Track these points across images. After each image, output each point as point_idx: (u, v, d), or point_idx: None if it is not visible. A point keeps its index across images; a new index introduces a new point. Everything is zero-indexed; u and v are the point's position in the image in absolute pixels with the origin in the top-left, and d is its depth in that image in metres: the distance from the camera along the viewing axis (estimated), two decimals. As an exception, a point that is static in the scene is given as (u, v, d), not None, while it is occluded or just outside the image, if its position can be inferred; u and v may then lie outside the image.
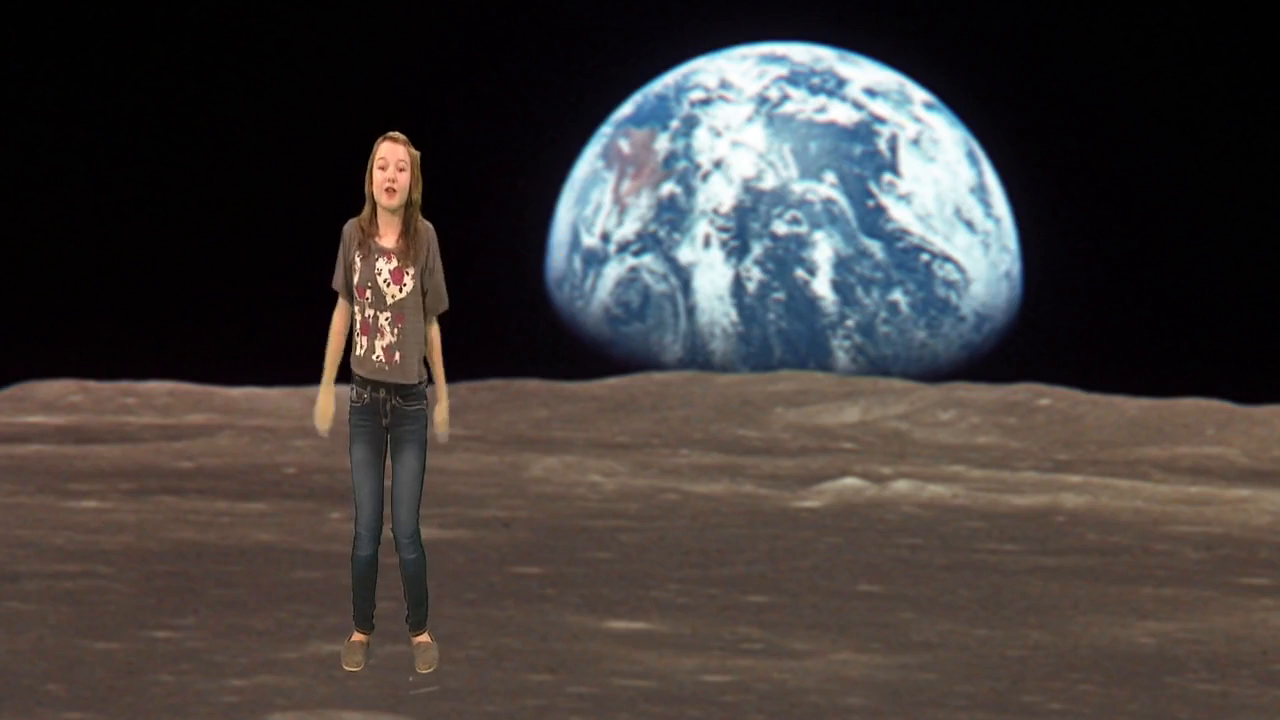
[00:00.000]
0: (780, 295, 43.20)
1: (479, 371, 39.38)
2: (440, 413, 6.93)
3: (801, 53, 46.41)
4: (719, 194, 43.97)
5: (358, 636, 7.11)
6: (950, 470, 26.25)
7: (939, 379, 39.56)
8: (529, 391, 38.65)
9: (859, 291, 43.26)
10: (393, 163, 6.69)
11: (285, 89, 48.67)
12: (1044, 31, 49.29)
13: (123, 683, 10.07)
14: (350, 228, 6.77)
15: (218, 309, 46.39)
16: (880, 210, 43.58)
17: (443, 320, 6.89)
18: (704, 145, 44.67)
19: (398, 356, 6.71)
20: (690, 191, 44.25)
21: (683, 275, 43.85)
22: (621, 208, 44.99)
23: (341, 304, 6.81)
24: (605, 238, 45.02)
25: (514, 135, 48.75)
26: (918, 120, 45.30)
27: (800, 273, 43.24)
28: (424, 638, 7.11)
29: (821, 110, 44.61)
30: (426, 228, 6.80)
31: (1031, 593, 14.90)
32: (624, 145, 45.98)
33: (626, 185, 45.21)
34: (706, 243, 43.71)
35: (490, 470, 24.64)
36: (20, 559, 14.80)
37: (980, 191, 45.30)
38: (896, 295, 43.47)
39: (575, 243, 45.79)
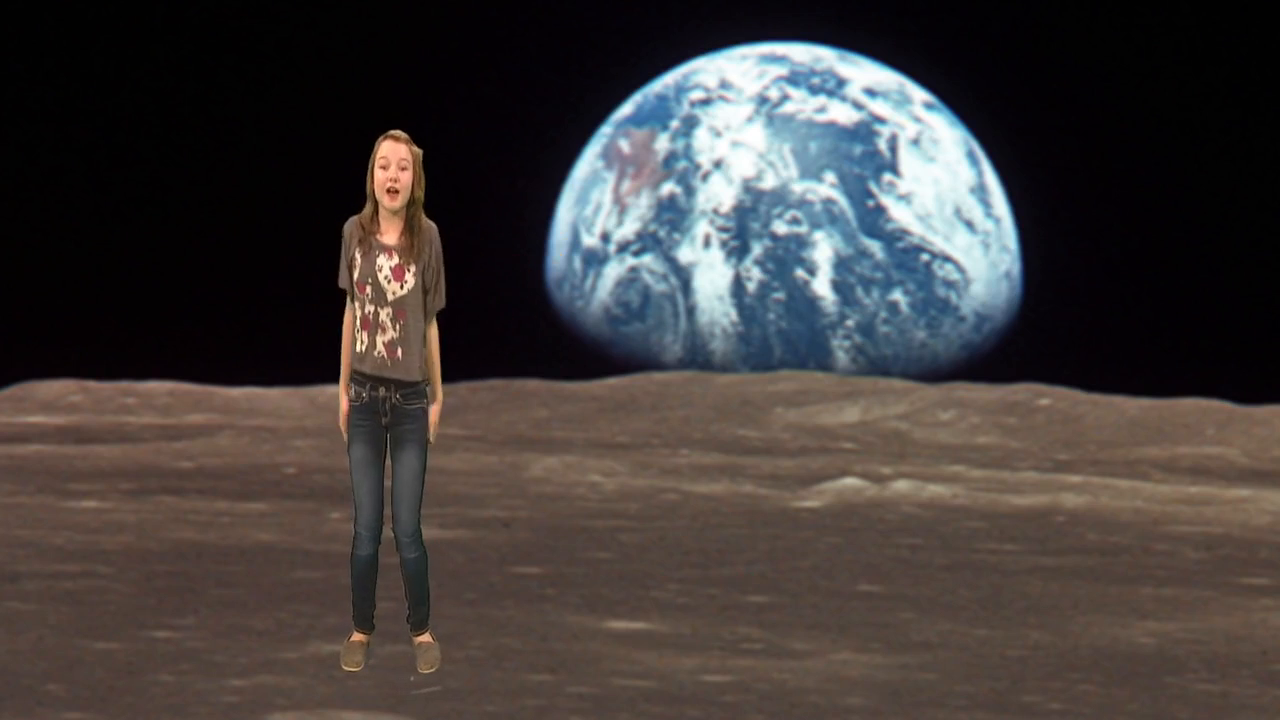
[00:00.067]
0: (780, 295, 43.21)
1: (479, 371, 39.40)
2: (432, 414, 6.91)
3: (801, 53, 46.41)
4: (719, 194, 43.98)
5: (357, 637, 7.03)
6: (950, 470, 26.25)
7: (939, 379, 39.57)
8: (529, 391, 38.65)
9: (859, 291, 43.28)
10: (394, 162, 6.65)
11: (285, 89, 48.68)
12: (1044, 31, 49.30)
13: (123, 683, 10.07)
14: (351, 225, 6.74)
15: (218, 309, 46.40)
16: (880, 210, 43.59)
17: (443, 320, 6.85)
18: (704, 145, 44.68)
19: (399, 352, 6.67)
20: (690, 191, 44.26)
21: (683, 275, 43.87)
22: (621, 208, 45.00)
23: (351, 303, 6.80)
24: (605, 238, 45.04)
25: (514, 135, 48.76)
26: (918, 120, 45.31)
27: (800, 273, 43.24)
28: (425, 637, 7.05)
29: (821, 110, 44.61)
30: (429, 226, 6.76)
31: (1031, 593, 14.90)
32: (624, 145, 45.99)
33: (626, 185, 45.22)
34: (706, 243, 43.72)
35: (490, 470, 24.64)
36: (20, 559, 14.80)
37: (980, 191, 45.31)
38: (896, 295, 43.48)
39: (575, 243, 45.80)
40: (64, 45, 48.19)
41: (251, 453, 26.37)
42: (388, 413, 6.73)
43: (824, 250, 43.32)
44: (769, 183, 43.81)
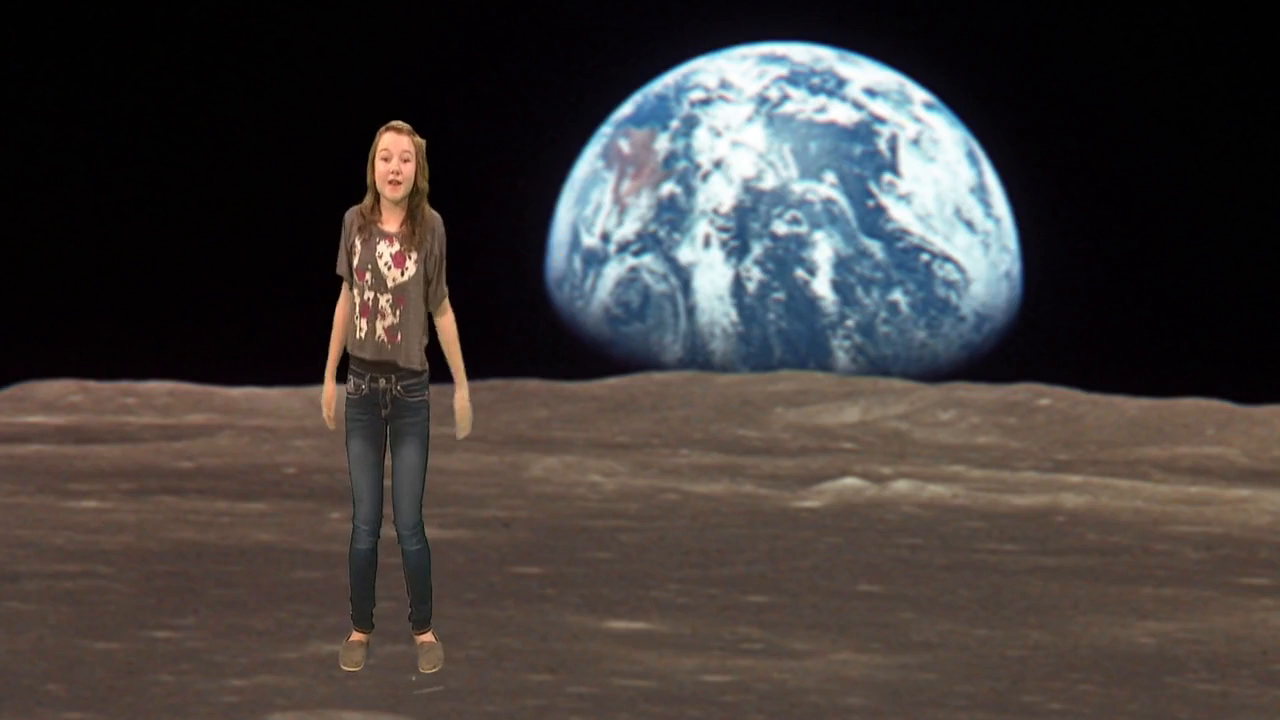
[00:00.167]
0: (780, 295, 43.21)
1: (479, 371, 39.36)
2: (460, 400, 6.81)
3: (801, 53, 46.41)
4: (719, 194, 43.98)
5: (357, 636, 6.92)
6: (950, 470, 26.25)
7: (939, 379, 39.56)
8: (529, 391, 38.64)
9: (859, 291, 43.27)
10: (396, 154, 6.59)
11: (285, 89, 48.67)
12: (1044, 31, 49.29)
13: (123, 683, 10.07)
14: (351, 214, 6.69)
15: (218, 309, 46.39)
16: (880, 210, 43.59)
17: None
18: (704, 145, 44.68)
19: (400, 336, 6.57)
20: (690, 191, 44.26)
21: (683, 275, 43.86)
22: (621, 208, 45.01)
23: (346, 290, 6.71)
24: (605, 238, 45.04)
25: (514, 135, 48.74)
26: (918, 120, 45.31)
27: (800, 273, 43.24)
28: (427, 637, 6.93)
29: (821, 110, 44.62)
30: (434, 215, 6.69)
31: (1031, 593, 14.90)
32: (624, 145, 45.99)
33: (626, 185, 45.22)
34: (706, 243, 43.72)
35: (490, 470, 24.64)
36: (20, 559, 14.80)
37: (980, 191, 45.31)
38: (896, 295, 43.48)
39: (575, 243, 45.80)
40: (64, 45, 48.20)
41: (251, 453, 26.37)
42: (388, 404, 6.65)
43: (824, 250, 43.33)
44: (769, 183, 43.82)
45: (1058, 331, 46.07)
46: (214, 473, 23.48)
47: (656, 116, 45.96)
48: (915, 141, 44.79)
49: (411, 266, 6.61)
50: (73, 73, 47.66)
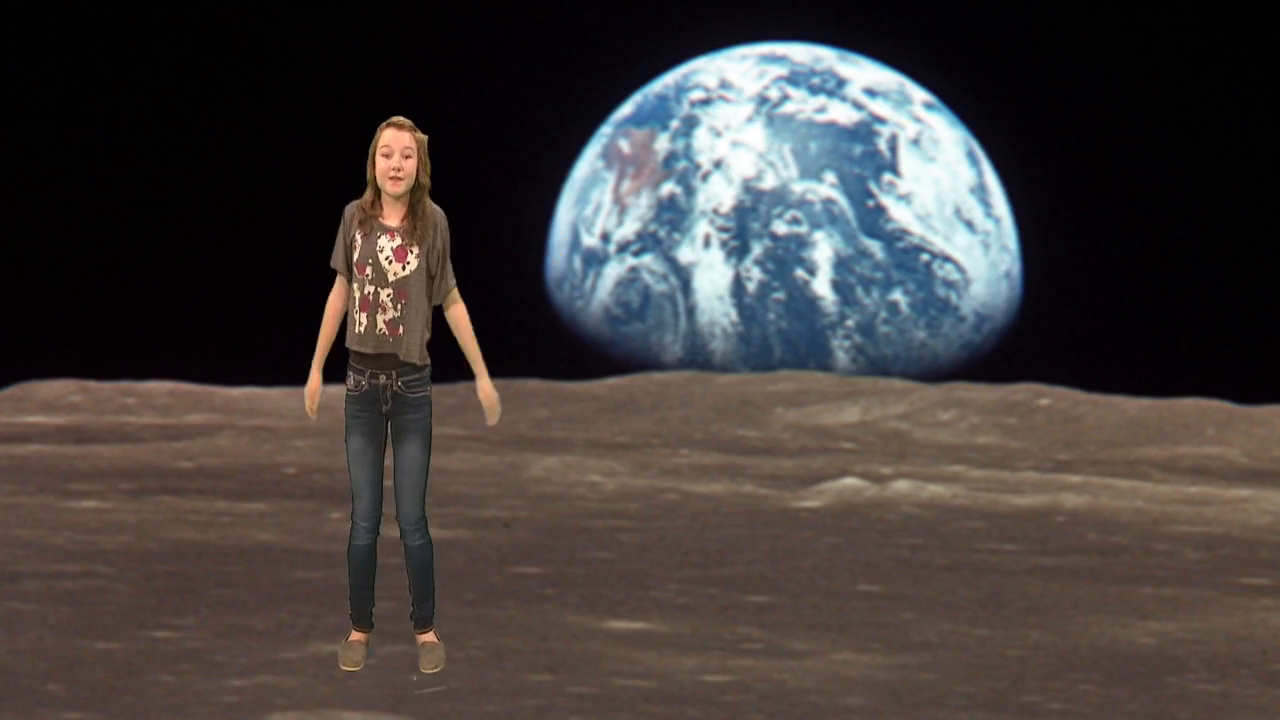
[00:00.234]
0: (780, 295, 43.21)
1: (478, 372, 39.27)
2: (484, 388, 6.77)
3: (801, 53, 46.41)
4: (719, 194, 43.98)
5: (356, 636, 6.82)
6: (950, 470, 26.25)
7: (939, 379, 39.55)
8: (529, 391, 38.64)
9: (859, 291, 43.27)
10: (398, 150, 6.56)
11: (285, 90, 48.66)
12: (1044, 31, 49.28)
13: (123, 683, 10.07)
14: (352, 208, 6.65)
15: (218, 309, 46.37)
16: (880, 210, 43.59)
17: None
18: (704, 145, 44.68)
19: (401, 329, 6.51)
20: (690, 191, 44.26)
21: (683, 275, 43.86)
22: (621, 208, 45.01)
23: (339, 283, 6.63)
24: (605, 238, 45.04)
25: (514, 135, 48.73)
26: (918, 120, 45.31)
27: (800, 273, 43.25)
28: (429, 636, 6.82)
29: (821, 110, 44.62)
30: (436, 210, 6.67)
31: (1031, 593, 14.90)
32: (624, 145, 45.99)
33: (626, 185, 45.22)
34: (706, 243, 43.72)
35: (490, 470, 24.64)
36: (20, 559, 14.79)
37: (980, 191, 45.31)
38: (896, 295, 43.48)
39: (575, 243, 45.80)
40: (64, 45, 48.20)
41: (251, 453, 26.37)
42: (389, 400, 6.60)
43: (824, 250, 43.33)
44: (769, 183, 43.82)
45: (1058, 331, 46.06)
46: (214, 473, 23.48)
47: (656, 116, 45.96)
48: (915, 141, 44.79)
49: (413, 261, 6.58)
50: (73, 73, 47.66)
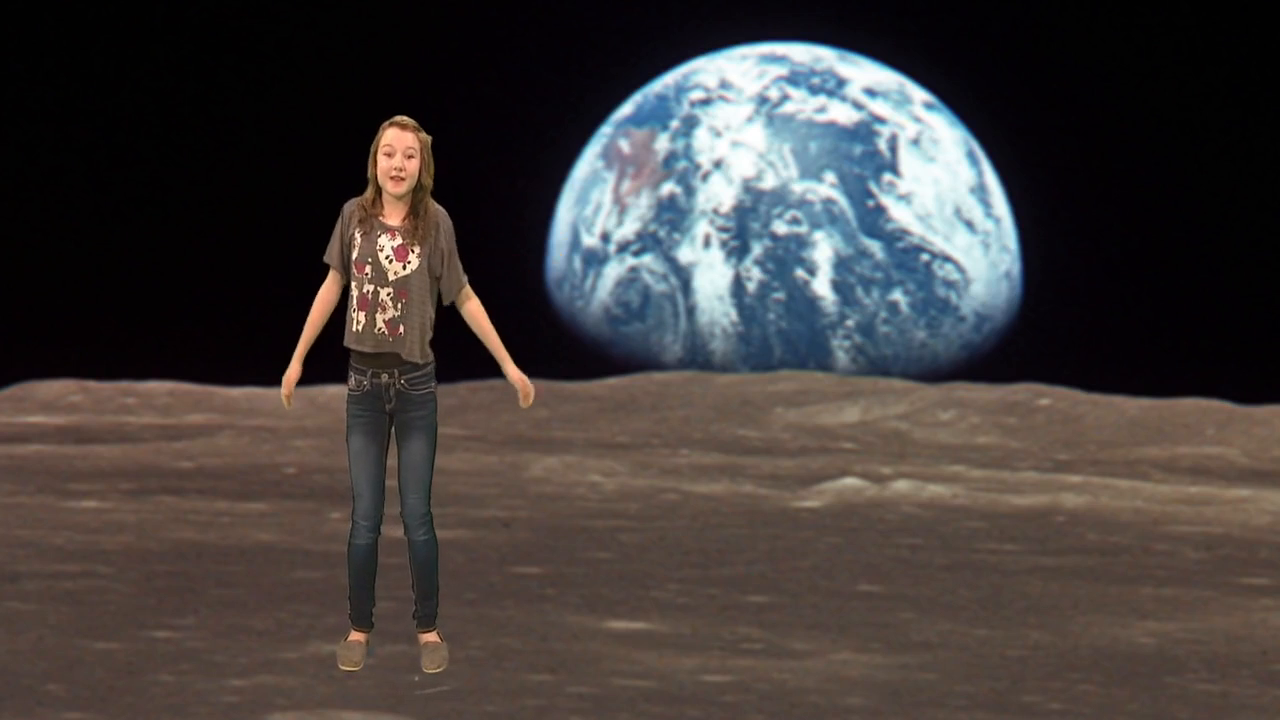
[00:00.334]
0: (780, 295, 43.21)
1: (479, 371, 39.27)
2: (513, 373, 6.67)
3: (801, 53, 46.41)
4: (719, 194, 43.98)
5: (355, 635, 6.77)
6: (950, 470, 26.25)
7: (939, 379, 39.54)
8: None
9: (859, 291, 43.28)
10: (400, 150, 6.52)
11: (285, 90, 48.65)
12: (1044, 31, 49.28)
13: (123, 683, 10.07)
14: (351, 205, 6.60)
15: (218, 309, 46.35)
16: (880, 210, 43.59)
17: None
18: (704, 145, 44.69)
19: (401, 329, 6.47)
20: (690, 191, 44.27)
21: (683, 275, 43.87)
22: (621, 208, 45.01)
23: (331, 278, 6.58)
24: (605, 238, 45.04)
25: (514, 135, 48.72)
26: (918, 120, 45.32)
27: (800, 273, 43.25)
28: (432, 636, 6.77)
29: (821, 110, 44.62)
30: (439, 210, 6.64)
31: (1031, 593, 14.90)
32: (624, 145, 46.00)
33: (626, 185, 45.23)
34: (706, 243, 43.73)
35: (490, 470, 24.64)
36: (20, 559, 14.79)
37: (980, 191, 45.31)
38: (896, 295, 43.48)
39: (575, 243, 45.80)
40: (64, 45, 48.19)
41: (251, 453, 26.37)
42: (392, 399, 6.55)
43: (824, 250, 43.33)
44: (769, 183, 43.82)
45: (1058, 331, 46.05)
46: (214, 473, 23.48)
47: (656, 116, 45.96)
48: (915, 141, 44.79)
49: (414, 260, 6.55)
50: (73, 73, 47.66)
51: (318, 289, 6.70)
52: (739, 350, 43.46)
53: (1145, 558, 17.55)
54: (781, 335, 43.33)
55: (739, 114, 44.92)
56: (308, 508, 19.61)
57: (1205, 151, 46.61)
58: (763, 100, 44.98)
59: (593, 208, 45.71)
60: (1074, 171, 48.13)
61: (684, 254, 44.00)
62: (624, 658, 11.34)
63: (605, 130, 46.89)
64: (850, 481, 23.53)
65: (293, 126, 49.26)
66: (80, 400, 36.28)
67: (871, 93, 45.37)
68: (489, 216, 44.83)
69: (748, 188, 43.87)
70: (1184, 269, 46.27)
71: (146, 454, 25.76)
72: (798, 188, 43.68)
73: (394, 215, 6.60)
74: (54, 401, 36.05)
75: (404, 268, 6.53)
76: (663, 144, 45.26)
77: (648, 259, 44.35)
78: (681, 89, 46.16)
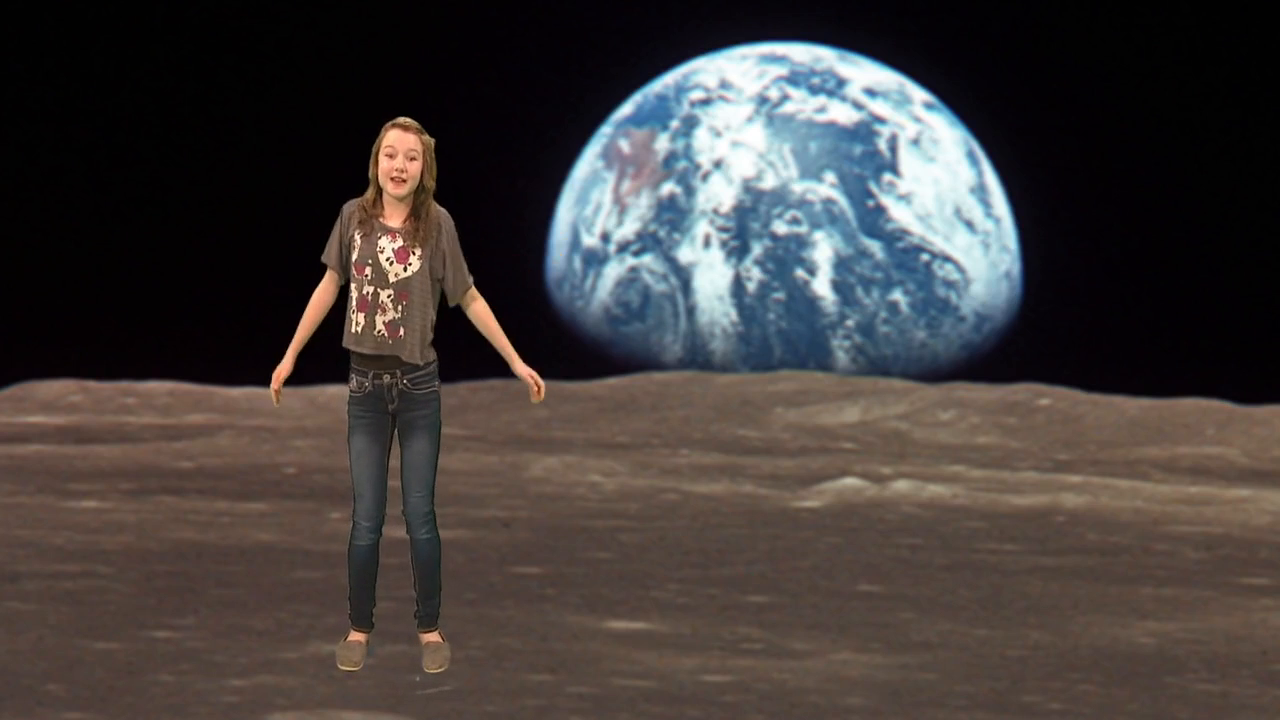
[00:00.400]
0: (780, 295, 43.21)
1: (479, 371, 39.34)
2: (522, 369, 6.71)
3: (801, 53, 46.41)
4: (719, 194, 43.98)
5: (355, 636, 6.75)
6: (950, 470, 26.25)
7: (939, 379, 39.54)
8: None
9: (859, 291, 43.28)
10: (402, 152, 6.49)
11: (285, 90, 48.65)
12: (1044, 31, 49.28)
13: (123, 683, 10.07)
14: (351, 206, 6.56)
15: (218, 309, 46.34)
16: (880, 210, 43.60)
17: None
18: (704, 145, 44.69)
19: (401, 331, 6.45)
20: (690, 191, 44.27)
21: (683, 275, 43.87)
22: (621, 208, 45.01)
23: (328, 277, 6.56)
24: (605, 238, 45.04)
25: (514, 135, 48.71)
26: (918, 120, 45.32)
27: (800, 273, 43.25)
28: (434, 636, 6.75)
29: (821, 110, 44.62)
30: (440, 211, 6.61)
31: (1031, 593, 14.90)
32: (624, 145, 46.00)
33: (626, 185, 45.23)
34: (706, 243, 43.73)
35: (490, 470, 24.64)
36: (20, 559, 14.79)
37: (980, 191, 45.32)
38: (896, 295, 43.48)
39: (575, 243, 45.80)
40: (64, 45, 48.19)
41: (251, 453, 26.37)
42: (395, 399, 6.52)
43: (824, 250, 43.33)
44: (769, 183, 43.82)
45: (1058, 331, 46.05)
46: (214, 473, 23.48)
47: (656, 116, 45.97)
48: (915, 141, 44.80)
49: (416, 262, 6.52)
50: (73, 73, 47.66)
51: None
52: (739, 350, 43.47)
53: (1145, 558, 17.55)
54: (781, 335, 43.34)
55: (739, 114, 44.93)
56: (308, 508, 19.61)
57: (1205, 151, 46.62)
58: (763, 100, 44.99)
59: (593, 208, 45.72)
60: (1074, 171, 48.13)
61: (684, 254, 44.01)
62: (624, 658, 11.34)
63: (605, 130, 46.91)
64: (850, 481, 23.53)
65: (293, 126, 49.25)
66: (80, 400, 36.28)
67: (871, 93, 45.38)
68: (489, 216, 44.82)
69: (748, 188, 43.87)
70: (1184, 269, 46.27)
71: (146, 454, 25.75)
72: (798, 188, 43.69)
73: (395, 217, 6.57)
74: (54, 401, 36.05)
75: (405, 269, 6.50)
76: (663, 144, 45.27)
77: (648, 259, 44.36)
78: (681, 89, 46.17)
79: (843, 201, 43.53)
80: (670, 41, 48.11)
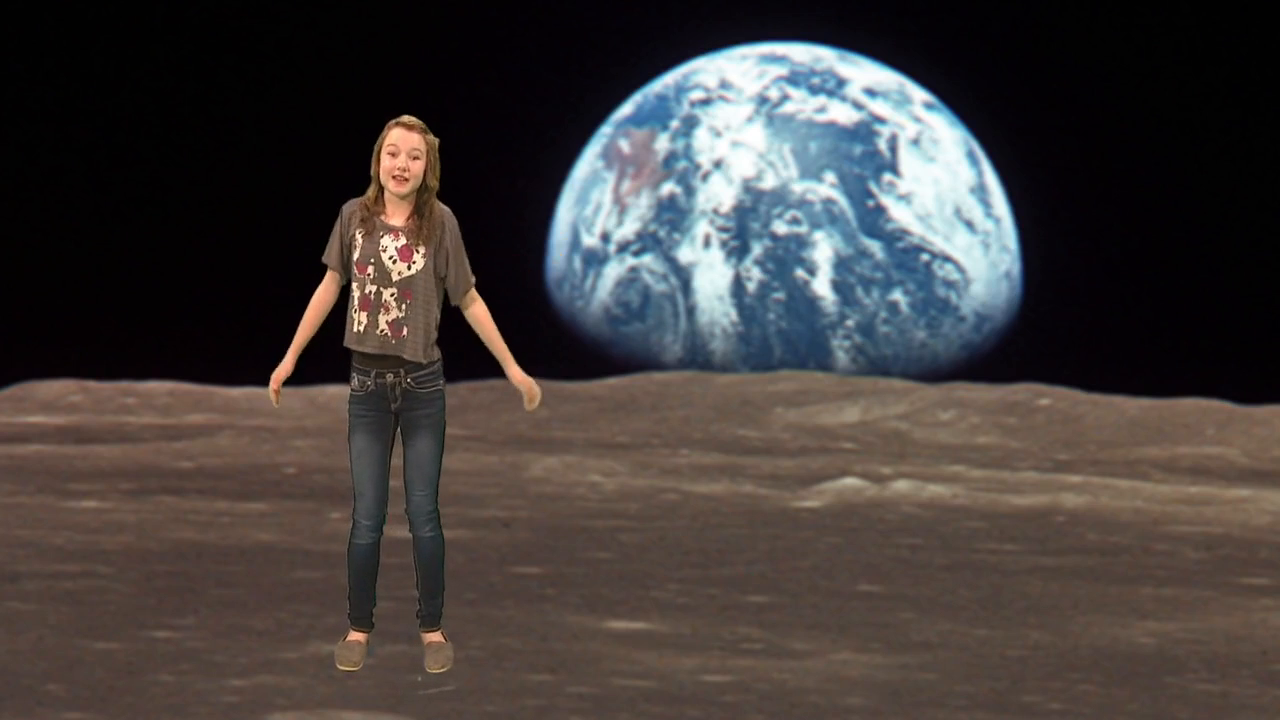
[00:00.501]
0: (780, 295, 43.21)
1: (479, 371, 39.23)
2: (517, 375, 6.71)
3: (801, 53, 46.42)
4: (719, 194, 43.98)
5: (355, 636, 6.71)
6: (950, 470, 26.25)
7: (939, 379, 39.55)
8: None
9: (859, 291, 43.28)
10: (405, 151, 6.45)
11: (285, 90, 48.65)
12: (1044, 31, 49.28)
13: (123, 683, 10.07)
14: (352, 206, 6.52)
15: (218, 309, 46.34)
16: (880, 210, 43.60)
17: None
18: (704, 145, 44.69)
19: (405, 331, 6.41)
20: (690, 191, 44.27)
21: (683, 275, 43.87)
22: (621, 208, 45.01)
23: (329, 278, 6.52)
24: (605, 238, 45.04)
25: (514, 135, 48.72)
26: (918, 120, 45.32)
27: (800, 273, 43.25)
28: (437, 635, 6.72)
29: (821, 110, 44.62)
30: (443, 210, 6.58)
31: (1031, 593, 14.90)
32: (624, 145, 46.00)
33: (626, 185, 45.23)
34: (706, 243, 43.73)
35: (490, 470, 24.64)
36: (20, 559, 14.79)
37: (980, 191, 45.32)
38: (896, 295, 43.48)
39: (575, 243, 45.80)
40: (64, 45, 48.19)
41: (251, 453, 26.37)
42: (398, 398, 6.48)
43: (824, 250, 43.33)
44: (769, 183, 43.83)
45: (1058, 331, 46.05)
46: (214, 473, 23.48)
47: (656, 116, 45.97)
48: (915, 141, 44.80)
49: (419, 261, 6.49)
50: (73, 73, 47.66)
51: (316, 289, 6.66)
52: (739, 350, 43.47)
53: (1145, 558, 17.55)
54: (781, 335, 43.34)
55: (739, 114, 44.93)
56: (308, 508, 19.61)
57: (1205, 151, 46.62)
58: (763, 100, 44.99)
59: (593, 208, 45.72)
60: (1074, 171, 48.13)
61: (684, 254, 44.01)
62: (624, 658, 11.34)
63: (605, 130, 46.91)
64: (850, 481, 23.53)
65: (293, 126, 49.25)
66: (80, 400, 36.28)
67: (871, 93, 45.38)
68: (489, 216, 44.82)
69: (748, 188, 43.87)
70: (1184, 269, 46.27)
71: (146, 454, 25.75)
72: (798, 188, 43.69)
73: (397, 215, 6.54)
74: (54, 401, 36.05)
75: (409, 268, 6.47)
76: (663, 144, 45.27)
77: (648, 259, 44.36)
78: (681, 89, 46.17)
79: (843, 201, 43.54)
80: (670, 41, 48.13)
